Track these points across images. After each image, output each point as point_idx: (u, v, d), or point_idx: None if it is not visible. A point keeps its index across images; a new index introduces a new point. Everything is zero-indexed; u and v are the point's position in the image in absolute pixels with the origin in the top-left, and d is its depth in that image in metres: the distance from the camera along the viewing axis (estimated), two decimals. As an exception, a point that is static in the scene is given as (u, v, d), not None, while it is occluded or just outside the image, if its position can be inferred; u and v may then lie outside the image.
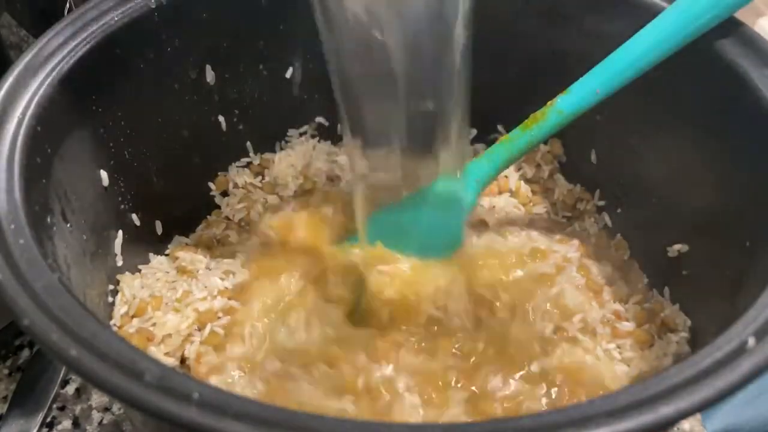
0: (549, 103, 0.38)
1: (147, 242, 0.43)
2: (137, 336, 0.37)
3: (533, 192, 0.47)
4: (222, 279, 0.41)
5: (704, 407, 0.22)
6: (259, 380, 0.35)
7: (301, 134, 0.49)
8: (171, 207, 0.44)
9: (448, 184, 0.39)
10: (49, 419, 0.41)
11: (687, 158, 0.40)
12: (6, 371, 0.44)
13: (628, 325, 0.39)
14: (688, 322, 0.39)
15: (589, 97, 0.37)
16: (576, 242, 0.43)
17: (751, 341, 0.24)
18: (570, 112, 0.37)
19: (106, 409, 0.42)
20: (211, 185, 0.46)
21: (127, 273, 0.41)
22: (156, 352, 0.37)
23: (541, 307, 0.39)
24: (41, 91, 0.31)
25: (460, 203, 0.39)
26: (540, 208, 0.46)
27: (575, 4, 0.42)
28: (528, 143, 0.38)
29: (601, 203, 0.46)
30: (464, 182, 0.38)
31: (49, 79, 0.32)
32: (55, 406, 0.42)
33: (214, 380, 0.35)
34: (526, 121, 0.39)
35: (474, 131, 0.49)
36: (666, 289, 0.41)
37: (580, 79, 0.38)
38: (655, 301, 0.40)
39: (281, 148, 0.49)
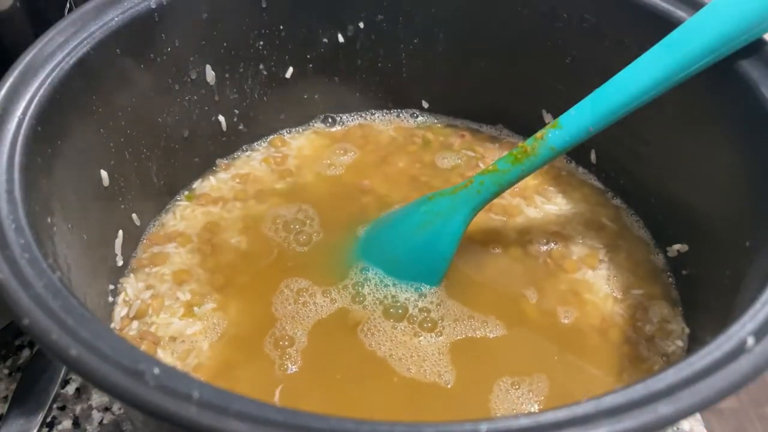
0: (539, 134, 0.37)
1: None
2: (141, 341, 0.38)
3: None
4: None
5: (704, 407, 0.22)
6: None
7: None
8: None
9: (442, 202, 0.39)
10: (49, 419, 0.41)
11: (687, 159, 0.40)
12: (6, 371, 0.44)
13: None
14: (686, 330, 0.39)
15: (582, 134, 0.36)
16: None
17: (751, 341, 0.24)
18: (562, 148, 0.37)
19: (106, 409, 0.42)
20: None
21: (131, 274, 0.41)
22: (163, 357, 0.37)
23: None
24: (41, 91, 0.31)
25: (448, 230, 0.39)
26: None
27: (575, 4, 0.42)
28: (518, 177, 0.38)
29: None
30: (455, 212, 0.39)
31: (49, 79, 0.32)
32: (55, 406, 0.42)
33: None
34: (515, 151, 0.37)
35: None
36: (665, 289, 0.41)
37: (574, 111, 0.36)
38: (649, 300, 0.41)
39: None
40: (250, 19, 0.43)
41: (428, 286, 0.40)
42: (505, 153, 0.38)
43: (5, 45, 0.38)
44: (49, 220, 0.30)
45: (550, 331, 0.39)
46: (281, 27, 0.44)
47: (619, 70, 0.36)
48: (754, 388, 0.49)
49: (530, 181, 0.46)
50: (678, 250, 0.41)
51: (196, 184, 0.46)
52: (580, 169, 0.48)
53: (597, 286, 0.41)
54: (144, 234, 0.43)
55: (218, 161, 0.47)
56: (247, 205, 0.45)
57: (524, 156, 0.37)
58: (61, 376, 0.42)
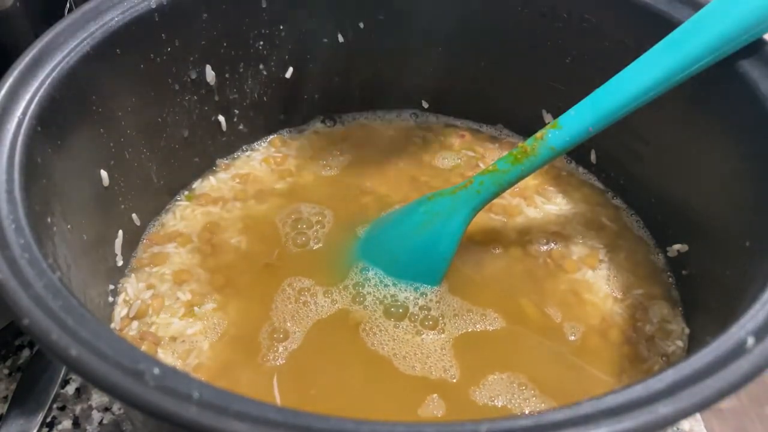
0: (539, 134, 0.37)
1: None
2: (141, 341, 0.38)
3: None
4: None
5: (704, 407, 0.22)
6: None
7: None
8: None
9: (442, 202, 0.39)
10: (49, 419, 0.41)
11: (687, 159, 0.40)
12: (6, 371, 0.44)
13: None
14: (686, 330, 0.39)
15: (582, 134, 0.36)
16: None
17: (751, 341, 0.24)
18: (562, 148, 0.37)
19: (106, 409, 0.42)
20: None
21: (131, 274, 0.41)
22: (163, 357, 0.37)
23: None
24: (41, 91, 0.31)
25: (448, 230, 0.39)
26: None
27: (575, 4, 0.42)
28: (518, 177, 0.38)
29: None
30: (454, 212, 0.39)
31: (50, 79, 0.32)
32: (55, 406, 0.42)
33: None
34: (514, 152, 0.38)
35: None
36: (665, 289, 0.41)
37: (574, 111, 0.36)
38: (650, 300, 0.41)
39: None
40: (250, 19, 0.43)
41: (428, 286, 0.40)
42: (505, 153, 0.39)
43: (5, 45, 0.38)
44: (49, 220, 0.30)
45: (550, 331, 0.39)
46: (281, 27, 0.44)
47: (619, 70, 0.36)
48: (754, 388, 0.49)
49: (530, 181, 0.46)
50: (678, 250, 0.41)
51: (196, 184, 0.46)
52: (580, 169, 0.48)
53: (597, 286, 0.41)
54: (144, 234, 0.43)
55: (218, 161, 0.47)
56: (247, 205, 0.45)
57: (524, 156, 0.37)
58: (61, 376, 0.42)
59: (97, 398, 0.43)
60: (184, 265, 0.42)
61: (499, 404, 0.35)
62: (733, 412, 0.47)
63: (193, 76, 0.42)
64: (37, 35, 0.33)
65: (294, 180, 0.47)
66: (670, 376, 0.23)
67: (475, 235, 0.43)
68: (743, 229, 0.34)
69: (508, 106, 0.49)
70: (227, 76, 0.44)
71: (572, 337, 0.38)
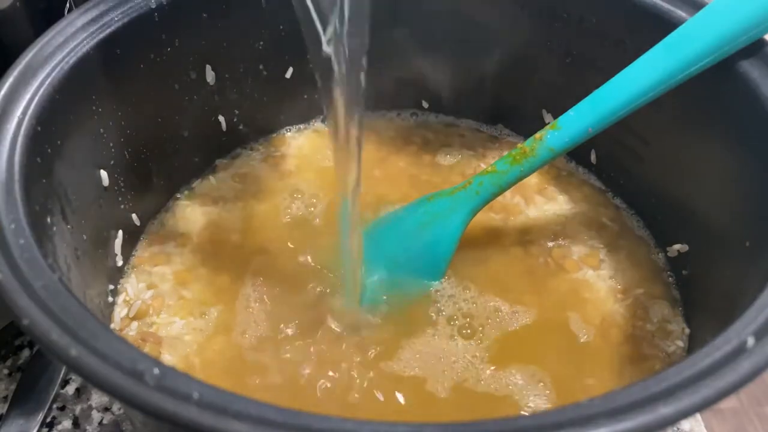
0: (538, 135, 0.37)
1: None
2: (143, 342, 0.38)
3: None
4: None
5: (704, 407, 0.22)
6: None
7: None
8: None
9: (441, 202, 0.39)
10: (49, 419, 0.41)
11: (687, 159, 0.40)
12: (6, 371, 0.44)
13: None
14: (686, 330, 0.39)
15: (581, 135, 0.36)
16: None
17: (751, 341, 0.24)
18: (561, 149, 0.37)
19: (106, 409, 0.42)
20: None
21: (131, 274, 0.41)
22: (164, 357, 0.37)
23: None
24: (41, 91, 0.31)
25: (447, 231, 0.39)
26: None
27: (575, 4, 0.42)
28: (517, 178, 0.38)
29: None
30: (453, 212, 0.39)
31: (49, 79, 0.32)
32: (55, 406, 0.42)
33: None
34: (513, 152, 0.38)
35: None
36: (665, 289, 0.41)
37: (574, 112, 0.37)
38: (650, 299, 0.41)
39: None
40: (250, 19, 0.43)
41: (427, 289, 0.40)
42: (505, 153, 0.39)
43: (5, 45, 0.38)
44: (49, 220, 0.30)
45: (550, 331, 0.39)
46: (281, 27, 0.44)
47: (619, 70, 0.36)
48: (754, 388, 0.49)
49: (531, 181, 0.46)
50: (678, 250, 0.41)
51: (196, 184, 0.46)
52: (581, 169, 0.48)
53: (597, 285, 0.41)
54: (144, 234, 0.43)
55: (218, 161, 0.47)
56: (247, 205, 0.45)
57: (523, 157, 0.37)
58: (61, 376, 0.42)
59: (97, 398, 0.43)
60: (185, 264, 0.42)
61: (499, 395, 0.35)
62: (733, 412, 0.48)
63: (193, 76, 0.42)
64: (37, 35, 0.33)
65: (294, 180, 0.47)
66: (671, 376, 0.23)
67: (476, 234, 0.43)
68: (743, 229, 0.34)
69: (508, 106, 0.49)
70: (227, 76, 0.44)
71: (572, 337, 0.38)
